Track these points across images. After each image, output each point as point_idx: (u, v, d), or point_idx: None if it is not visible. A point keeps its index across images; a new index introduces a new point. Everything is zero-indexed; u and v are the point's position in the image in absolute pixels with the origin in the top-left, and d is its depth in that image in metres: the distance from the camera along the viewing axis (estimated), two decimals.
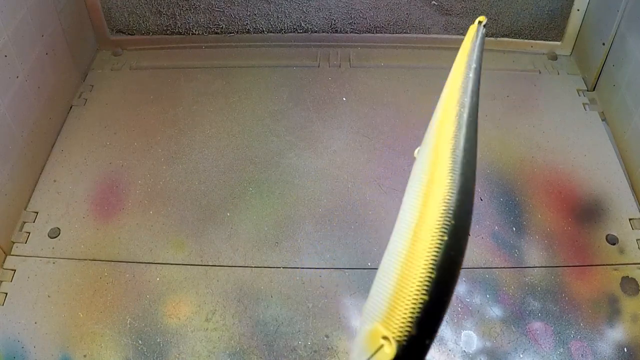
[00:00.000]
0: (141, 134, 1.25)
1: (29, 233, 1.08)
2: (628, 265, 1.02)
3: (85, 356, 0.91)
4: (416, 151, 0.51)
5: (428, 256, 0.34)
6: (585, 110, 1.31)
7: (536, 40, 1.46)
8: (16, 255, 1.04)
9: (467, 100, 0.45)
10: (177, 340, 0.93)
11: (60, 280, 1.00)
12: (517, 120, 1.28)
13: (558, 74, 1.41)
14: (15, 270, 1.02)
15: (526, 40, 1.46)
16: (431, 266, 0.33)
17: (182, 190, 1.14)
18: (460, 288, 0.98)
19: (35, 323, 0.95)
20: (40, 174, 1.18)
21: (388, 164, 1.18)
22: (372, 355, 0.33)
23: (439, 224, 0.35)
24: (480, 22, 0.56)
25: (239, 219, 1.09)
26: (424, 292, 0.33)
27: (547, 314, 0.95)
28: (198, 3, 1.43)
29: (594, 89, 1.36)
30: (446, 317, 0.94)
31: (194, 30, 1.48)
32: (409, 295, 0.33)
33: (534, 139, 1.24)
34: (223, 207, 1.11)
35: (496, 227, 1.07)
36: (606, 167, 1.18)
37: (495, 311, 0.95)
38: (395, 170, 1.17)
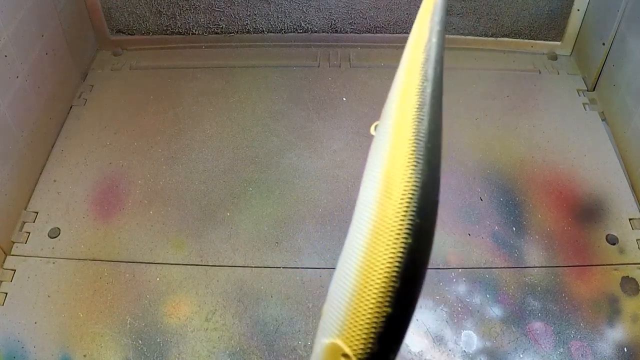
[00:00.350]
0: (141, 134, 1.25)
1: (29, 233, 1.08)
2: (628, 265, 1.02)
3: (85, 356, 0.91)
4: (373, 127, 0.43)
5: (390, 262, 0.30)
6: (585, 110, 1.31)
7: (536, 40, 1.46)
8: (16, 255, 1.04)
9: (431, 72, 0.38)
10: (177, 340, 0.93)
11: (60, 280, 1.00)
12: (517, 120, 1.28)
13: (558, 74, 1.41)
14: (15, 270, 1.02)
15: (526, 40, 1.46)
16: (394, 274, 0.30)
17: (182, 190, 1.14)
18: (460, 288, 0.99)
19: (35, 323, 0.95)
20: (40, 174, 1.18)
21: None
22: None
23: (401, 224, 0.31)
24: None
25: (239, 219, 1.09)
26: (386, 303, 0.29)
27: (547, 314, 0.95)
28: (198, 3, 1.43)
29: (594, 89, 1.36)
30: (446, 317, 0.94)
31: (194, 30, 1.48)
32: (370, 307, 0.29)
33: (534, 139, 1.24)
34: (223, 207, 1.11)
35: (496, 227, 1.07)
36: (606, 167, 1.18)
37: (495, 311, 0.95)
38: None
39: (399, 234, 0.30)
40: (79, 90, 1.37)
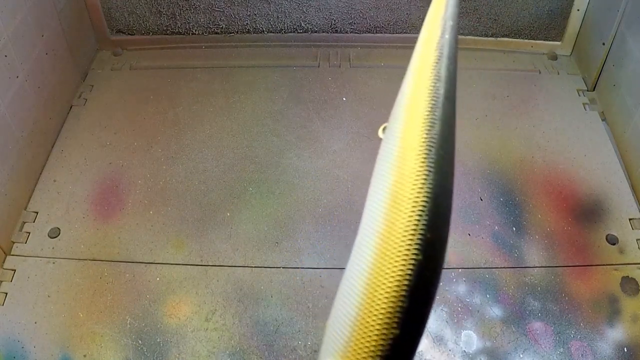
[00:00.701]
0: (141, 134, 1.25)
1: (29, 233, 1.08)
2: (628, 265, 1.02)
3: (85, 356, 0.91)
4: (381, 130, 0.40)
5: (399, 281, 0.28)
6: (585, 110, 1.31)
7: (536, 40, 1.46)
8: (16, 255, 1.04)
9: (444, 71, 0.36)
10: (177, 340, 0.93)
11: (60, 280, 1.00)
12: (517, 120, 1.28)
13: (558, 74, 1.41)
14: (15, 270, 1.02)
15: (526, 40, 1.46)
16: (402, 293, 0.27)
17: (182, 190, 1.14)
18: (460, 288, 0.99)
19: (35, 323, 0.95)
20: (40, 174, 1.18)
21: None
22: None
23: (411, 240, 0.28)
24: None
25: (239, 219, 1.09)
26: (394, 325, 0.27)
27: (547, 314, 0.95)
28: (198, 3, 1.43)
29: (594, 89, 1.36)
30: (446, 317, 0.94)
31: (194, 30, 1.48)
32: (376, 328, 0.27)
33: (534, 139, 1.24)
34: (223, 207, 1.11)
35: (496, 227, 1.07)
36: (606, 167, 1.18)
37: (495, 311, 0.95)
38: None
39: (408, 250, 0.28)
40: (79, 90, 1.37)
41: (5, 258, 1.04)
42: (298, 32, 1.47)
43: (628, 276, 1.00)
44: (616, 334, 0.93)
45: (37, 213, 1.11)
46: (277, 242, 1.06)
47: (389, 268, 0.28)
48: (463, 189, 1.14)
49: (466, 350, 0.91)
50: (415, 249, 0.28)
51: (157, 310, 0.96)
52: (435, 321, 0.94)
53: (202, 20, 1.46)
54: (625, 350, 0.91)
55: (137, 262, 1.03)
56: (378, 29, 1.47)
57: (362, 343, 0.28)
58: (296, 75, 1.40)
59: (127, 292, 0.99)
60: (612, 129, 1.27)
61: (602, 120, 1.29)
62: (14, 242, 1.06)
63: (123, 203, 1.12)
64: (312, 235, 1.07)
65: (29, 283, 1.00)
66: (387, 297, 0.27)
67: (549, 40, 1.46)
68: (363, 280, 0.29)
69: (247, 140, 1.24)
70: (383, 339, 0.27)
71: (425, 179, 0.29)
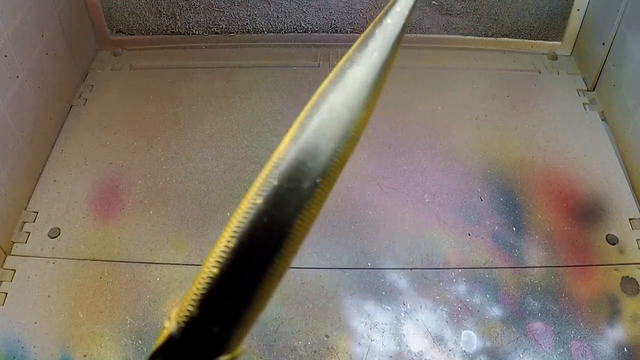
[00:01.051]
0: (141, 134, 1.25)
1: (29, 233, 1.08)
2: (628, 265, 1.02)
3: (85, 356, 0.91)
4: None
5: (235, 222, 0.27)
6: (585, 110, 1.31)
7: (536, 40, 1.46)
8: (16, 255, 1.04)
9: (363, 58, 0.34)
10: None
11: (60, 280, 1.00)
12: (517, 120, 1.28)
13: (558, 74, 1.41)
14: (15, 270, 1.02)
15: (526, 40, 1.46)
16: (233, 233, 0.27)
17: (182, 190, 1.14)
18: (460, 288, 0.99)
19: (35, 323, 0.95)
20: (40, 174, 1.18)
21: (388, 164, 1.18)
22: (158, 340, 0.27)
23: (259, 183, 0.28)
24: None
25: None
26: (214, 264, 0.26)
27: (547, 314, 0.95)
28: (198, 3, 1.43)
29: (594, 89, 1.36)
30: (446, 317, 0.94)
31: (194, 30, 1.48)
32: (204, 269, 0.27)
33: (534, 139, 1.24)
34: (223, 207, 1.11)
35: (496, 227, 1.07)
36: (606, 167, 1.18)
37: (495, 311, 0.95)
38: (395, 170, 1.17)
39: (252, 194, 0.28)
40: (79, 90, 1.37)
41: (5, 258, 1.04)
42: (298, 32, 1.47)
43: (628, 276, 1.00)
44: (616, 334, 0.93)
45: (37, 213, 1.11)
46: None
47: (239, 209, 0.28)
48: (463, 189, 1.14)
49: (466, 350, 0.91)
50: (258, 193, 0.27)
51: (157, 310, 0.96)
52: (435, 321, 0.94)
53: (202, 20, 1.46)
54: (625, 350, 0.91)
55: (137, 262, 1.03)
56: None
57: (193, 286, 0.27)
58: (296, 75, 1.40)
59: (127, 292, 0.99)
60: (612, 129, 1.27)
61: (602, 120, 1.29)
62: (14, 242, 1.06)
63: (123, 203, 1.12)
64: (312, 235, 1.06)
65: (29, 283, 1.00)
66: (223, 237, 0.27)
67: (549, 40, 1.46)
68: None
69: (247, 140, 1.24)
70: (201, 278, 0.27)
71: (293, 136, 0.29)
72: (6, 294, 0.99)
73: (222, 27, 1.47)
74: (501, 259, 1.03)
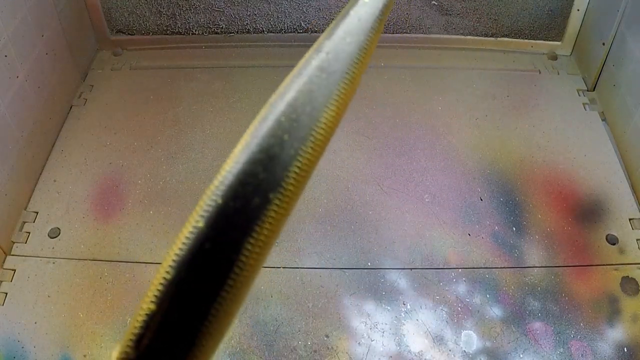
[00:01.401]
0: (141, 134, 1.25)
1: (29, 233, 1.08)
2: (628, 265, 1.02)
3: (85, 356, 0.91)
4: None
5: (174, 249, 0.23)
6: (585, 110, 1.31)
7: (536, 40, 1.46)
8: (16, 255, 1.04)
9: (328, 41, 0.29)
10: None
11: (60, 280, 1.00)
12: (517, 120, 1.28)
13: (558, 74, 1.41)
14: (15, 270, 1.02)
15: (526, 40, 1.46)
16: (171, 263, 0.23)
17: (182, 190, 1.14)
18: (460, 288, 0.99)
19: (35, 323, 0.95)
20: (40, 174, 1.18)
21: (388, 164, 1.18)
22: None
23: (201, 204, 0.24)
24: None
25: None
26: (152, 298, 0.23)
27: (547, 314, 0.95)
28: (198, 3, 1.43)
29: (594, 89, 1.36)
30: (446, 317, 0.94)
31: (194, 30, 1.48)
32: (142, 304, 0.23)
33: (534, 139, 1.24)
34: None
35: (496, 227, 1.07)
36: (606, 167, 1.18)
37: (495, 311, 0.95)
38: (395, 170, 1.17)
39: (194, 216, 0.24)
40: (79, 90, 1.37)
41: (5, 258, 1.04)
42: (298, 32, 1.47)
43: (628, 276, 1.00)
44: (616, 334, 0.93)
45: (37, 213, 1.11)
46: (277, 242, 1.05)
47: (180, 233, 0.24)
48: (463, 189, 1.14)
49: (466, 350, 0.91)
50: (200, 215, 0.24)
51: None
52: (435, 321, 0.94)
53: (202, 20, 1.46)
54: (625, 350, 0.91)
55: (137, 262, 1.03)
56: None
57: (133, 321, 0.23)
58: None
59: (127, 292, 0.99)
60: (612, 129, 1.27)
61: (602, 120, 1.29)
62: (14, 242, 1.06)
63: (123, 203, 1.12)
64: (312, 235, 1.07)
65: (29, 283, 1.00)
66: (163, 268, 0.23)
67: (549, 40, 1.46)
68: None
69: None
70: (139, 316, 0.23)
71: (240, 150, 0.26)
72: (6, 294, 0.99)
73: (222, 27, 1.47)
74: (501, 259, 1.03)
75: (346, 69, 0.28)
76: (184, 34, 1.48)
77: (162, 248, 1.05)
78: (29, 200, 1.13)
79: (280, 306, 0.96)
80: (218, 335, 0.23)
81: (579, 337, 0.92)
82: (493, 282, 0.99)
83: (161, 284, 0.23)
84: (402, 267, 1.02)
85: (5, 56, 1.04)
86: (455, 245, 1.05)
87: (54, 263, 1.03)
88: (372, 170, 1.17)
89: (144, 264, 1.03)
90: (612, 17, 1.27)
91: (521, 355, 0.90)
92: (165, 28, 1.47)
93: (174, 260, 0.23)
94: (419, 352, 0.91)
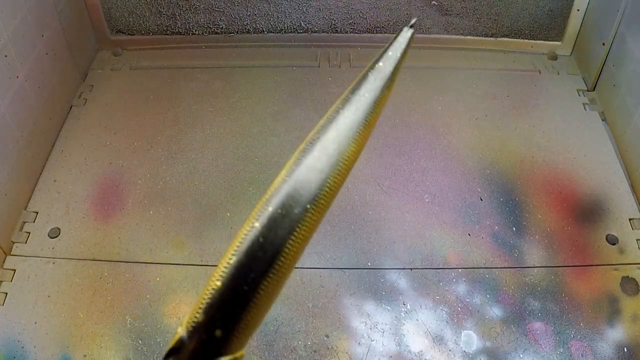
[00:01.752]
0: (141, 134, 1.25)
1: (29, 233, 1.08)
2: (628, 265, 1.02)
3: (85, 356, 0.91)
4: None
5: (236, 242, 0.32)
6: (585, 110, 1.31)
7: (536, 40, 1.46)
8: (16, 255, 1.04)
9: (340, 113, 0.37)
10: None
11: (60, 280, 1.00)
12: (517, 120, 1.28)
13: (558, 74, 1.41)
14: (15, 270, 1.02)
15: (526, 40, 1.46)
16: (234, 251, 0.31)
17: (182, 190, 1.14)
18: (460, 288, 0.99)
19: (35, 323, 0.95)
20: (40, 174, 1.18)
21: (388, 164, 1.18)
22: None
23: (256, 210, 0.33)
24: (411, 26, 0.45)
25: (239, 219, 1.09)
26: (218, 278, 0.31)
27: (547, 314, 0.95)
28: (198, 3, 1.43)
29: (594, 89, 1.36)
30: (446, 317, 0.94)
31: (194, 30, 1.48)
32: (210, 282, 0.31)
33: (534, 139, 1.24)
34: (223, 207, 1.11)
35: (496, 227, 1.07)
36: (606, 167, 1.18)
37: (495, 311, 0.95)
38: (395, 170, 1.17)
39: (252, 218, 0.32)
40: (79, 90, 1.37)
41: (5, 258, 1.04)
42: (298, 32, 1.47)
43: (628, 276, 1.00)
44: (616, 334, 0.93)
45: (37, 213, 1.11)
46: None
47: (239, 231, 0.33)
48: (463, 189, 1.14)
49: (466, 350, 0.91)
50: (256, 217, 0.32)
51: (157, 310, 0.96)
52: (435, 321, 0.94)
53: (202, 20, 1.46)
54: (625, 350, 0.91)
55: (137, 262, 1.03)
56: (378, 29, 1.47)
57: (199, 298, 0.31)
58: (296, 75, 1.40)
59: (127, 292, 0.99)
60: (612, 129, 1.27)
61: (602, 120, 1.29)
62: (14, 242, 1.06)
63: (123, 203, 1.12)
64: None
65: (29, 283, 1.00)
66: (226, 255, 0.32)
67: (549, 40, 1.46)
68: None
69: (247, 141, 1.24)
70: (207, 291, 0.31)
71: (289, 169, 0.34)
72: (6, 294, 0.99)
73: (222, 27, 1.47)
74: (501, 259, 1.03)
75: (363, 117, 0.37)
76: (184, 34, 1.48)
77: (162, 248, 1.05)
78: (29, 200, 1.13)
79: (280, 306, 0.96)
80: (264, 307, 0.31)
81: (579, 337, 0.92)
82: (493, 282, 0.99)
83: (225, 266, 0.30)
84: (402, 267, 1.02)
85: (5, 56, 1.05)
86: (455, 245, 1.05)
87: (54, 263, 1.03)
88: (372, 170, 1.17)
89: (144, 264, 1.03)
90: (612, 17, 1.27)
91: (521, 355, 0.90)
92: (165, 28, 1.47)
93: (235, 250, 0.31)
94: (419, 352, 0.91)
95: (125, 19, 1.45)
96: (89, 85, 1.39)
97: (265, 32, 1.48)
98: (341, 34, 1.47)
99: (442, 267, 1.02)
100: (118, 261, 1.03)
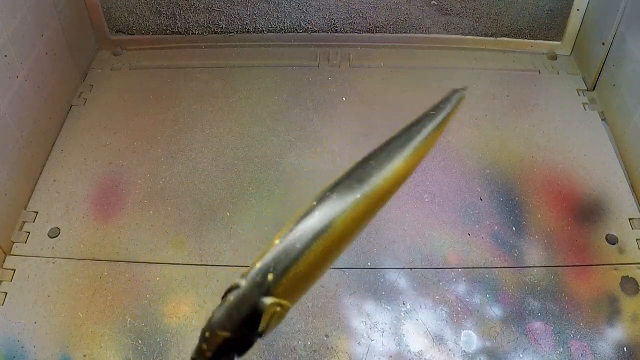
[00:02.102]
0: (141, 134, 1.25)
1: (29, 233, 1.08)
2: (628, 265, 1.02)
3: (85, 356, 0.91)
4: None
5: (294, 219, 0.38)
6: (585, 110, 1.31)
7: (536, 40, 1.46)
8: (16, 255, 1.04)
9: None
10: (177, 340, 0.93)
11: (60, 280, 1.00)
12: (517, 120, 1.28)
13: (558, 74, 1.41)
14: (15, 270, 1.02)
15: (526, 40, 1.46)
16: (291, 226, 0.37)
17: (182, 190, 1.14)
18: (460, 288, 0.99)
19: (35, 323, 0.95)
20: (40, 174, 1.18)
21: None
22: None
23: (315, 196, 0.39)
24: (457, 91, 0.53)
25: (239, 219, 1.09)
26: (278, 238, 0.37)
27: (547, 314, 0.95)
28: (198, 3, 1.43)
29: (594, 89, 1.36)
30: (446, 317, 0.94)
31: (194, 30, 1.48)
32: (269, 245, 0.37)
33: (534, 139, 1.24)
34: (223, 207, 1.11)
35: (496, 227, 1.07)
36: (606, 167, 1.18)
37: (495, 311, 0.95)
38: None
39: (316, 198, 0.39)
40: (79, 90, 1.37)
41: (5, 258, 1.04)
42: (298, 32, 1.47)
43: (628, 276, 1.00)
44: (616, 334, 0.93)
45: (37, 213, 1.11)
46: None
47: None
48: (463, 189, 1.14)
49: (466, 350, 0.91)
50: (317, 198, 0.39)
51: (157, 310, 0.96)
52: (435, 321, 0.94)
53: (202, 20, 1.46)
54: (625, 350, 0.91)
55: (137, 262, 1.03)
56: (378, 29, 1.47)
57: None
58: (296, 75, 1.40)
59: (127, 292, 0.99)
60: (612, 129, 1.27)
61: (602, 120, 1.29)
62: (14, 242, 1.06)
63: (123, 203, 1.12)
64: None
65: (29, 283, 1.00)
66: (288, 224, 0.38)
67: (549, 40, 1.46)
68: None
69: (247, 141, 1.24)
70: (267, 248, 0.37)
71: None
72: (6, 294, 0.99)
73: (222, 27, 1.47)
74: (501, 259, 1.03)
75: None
76: (184, 34, 1.48)
77: (162, 248, 1.05)
78: (29, 200, 1.13)
79: None
80: (313, 266, 0.37)
81: (579, 337, 0.92)
82: (493, 282, 0.99)
83: (284, 232, 0.37)
84: (402, 267, 1.02)
85: (5, 56, 1.05)
86: (455, 245, 1.05)
87: (54, 263, 1.03)
88: None
89: (144, 264, 1.03)
90: (612, 17, 1.27)
91: (521, 355, 0.90)
92: (165, 28, 1.47)
93: (294, 222, 0.37)
94: (419, 352, 0.91)
95: (125, 19, 1.45)
96: (89, 85, 1.39)
97: (265, 32, 1.48)
98: (341, 34, 1.47)
99: (442, 267, 1.02)
100: (118, 261, 1.03)
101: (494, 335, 0.93)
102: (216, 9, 1.44)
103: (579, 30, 1.42)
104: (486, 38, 1.46)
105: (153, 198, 1.13)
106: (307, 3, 1.42)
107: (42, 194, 1.15)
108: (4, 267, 1.03)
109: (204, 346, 0.36)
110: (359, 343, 0.92)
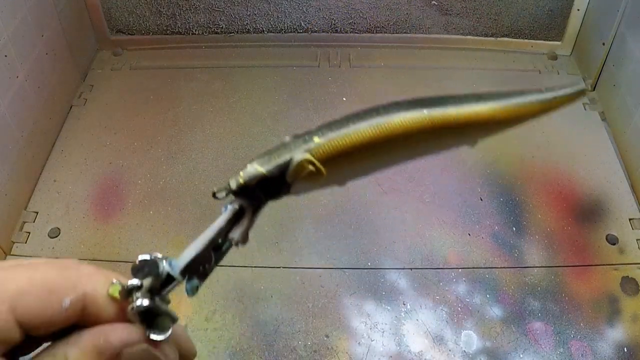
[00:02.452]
0: (141, 134, 1.25)
1: (29, 233, 1.08)
2: (628, 265, 1.02)
3: None
4: None
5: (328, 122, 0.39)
6: (585, 110, 1.31)
7: (536, 40, 1.46)
8: (16, 255, 1.04)
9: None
10: None
11: None
12: None
13: (558, 74, 1.41)
14: None
15: (526, 40, 1.46)
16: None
17: (182, 190, 1.14)
18: (460, 288, 0.99)
19: None
20: (40, 174, 1.18)
21: None
22: None
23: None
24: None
25: None
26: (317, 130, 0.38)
27: (547, 314, 0.95)
28: (198, 3, 1.43)
29: (594, 89, 1.36)
30: (446, 317, 0.94)
31: (194, 30, 1.48)
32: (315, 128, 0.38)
33: (534, 139, 1.24)
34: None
35: (496, 227, 1.07)
36: (606, 167, 1.18)
37: (495, 311, 0.95)
38: (395, 170, 1.17)
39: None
40: (79, 90, 1.37)
41: (5, 258, 1.04)
42: (298, 32, 1.47)
43: (628, 276, 1.00)
44: (616, 334, 0.93)
45: (37, 213, 1.11)
46: (277, 242, 1.06)
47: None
48: (463, 189, 1.14)
49: (466, 350, 0.91)
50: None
51: None
52: (435, 321, 0.94)
53: (202, 20, 1.46)
54: (625, 350, 0.91)
55: None
56: (378, 29, 1.47)
57: None
58: (296, 75, 1.40)
59: None
60: (612, 129, 1.27)
61: (602, 120, 1.29)
62: (14, 242, 1.06)
63: (123, 203, 1.12)
64: (312, 235, 1.07)
65: None
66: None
67: (549, 40, 1.46)
68: None
69: (247, 141, 1.24)
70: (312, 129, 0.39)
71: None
72: None
73: (222, 27, 1.47)
74: (501, 259, 1.03)
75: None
76: (184, 34, 1.48)
77: (162, 248, 1.05)
78: (29, 200, 1.13)
79: (280, 306, 0.96)
80: (354, 140, 0.38)
81: (579, 337, 0.92)
82: (493, 282, 0.99)
83: (322, 126, 0.38)
84: (402, 267, 1.02)
85: (5, 56, 1.05)
86: (455, 245, 1.05)
87: None
88: None
89: None
90: (612, 17, 1.27)
91: (521, 355, 0.90)
92: (165, 28, 1.47)
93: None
94: (419, 352, 0.91)
95: (125, 19, 1.45)
96: (89, 85, 1.39)
97: (265, 32, 1.48)
98: (341, 34, 1.47)
99: (442, 267, 1.02)
100: (118, 261, 1.03)
101: (494, 335, 0.93)
102: (216, 9, 1.44)
103: (579, 30, 1.42)
104: (486, 38, 1.46)
105: (153, 198, 1.13)
106: (307, 3, 1.42)
107: (42, 194, 1.15)
108: None
109: (239, 176, 0.38)
110: (359, 343, 0.92)
